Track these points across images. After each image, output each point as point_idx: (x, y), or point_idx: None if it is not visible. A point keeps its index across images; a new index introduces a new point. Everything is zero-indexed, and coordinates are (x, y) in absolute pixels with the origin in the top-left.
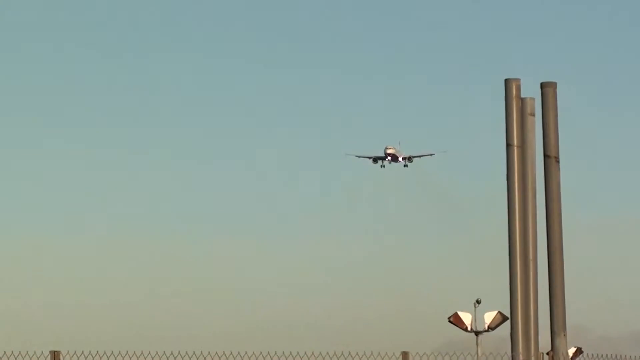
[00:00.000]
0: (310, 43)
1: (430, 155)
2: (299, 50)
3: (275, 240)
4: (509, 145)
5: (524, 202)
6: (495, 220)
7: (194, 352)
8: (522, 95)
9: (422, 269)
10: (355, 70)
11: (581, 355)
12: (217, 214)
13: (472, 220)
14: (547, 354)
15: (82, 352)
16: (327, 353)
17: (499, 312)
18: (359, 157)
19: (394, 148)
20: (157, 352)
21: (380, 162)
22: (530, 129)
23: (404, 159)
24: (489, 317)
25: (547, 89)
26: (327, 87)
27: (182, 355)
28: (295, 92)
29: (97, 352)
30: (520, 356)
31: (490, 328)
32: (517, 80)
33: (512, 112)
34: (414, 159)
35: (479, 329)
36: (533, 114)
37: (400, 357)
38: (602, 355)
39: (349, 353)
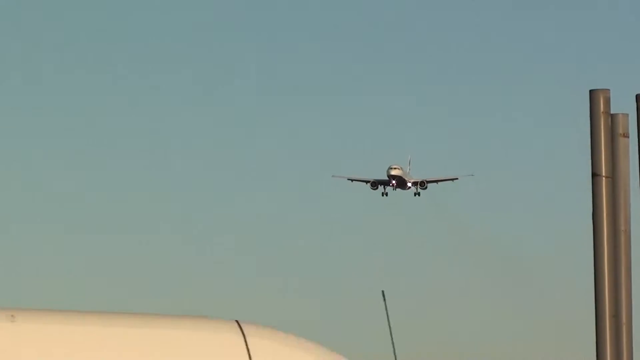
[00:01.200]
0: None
1: (452, 180)
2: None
3: None
4: (595, 175)
5: (614, 247)
6: (575, 272)
7: None
8: (612, 111)
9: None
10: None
11: None
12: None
13: (536, 275)
14: None
15: None
16: None
17: None
18: (352, 180)
19: (401, 169)
20: None
21: (381, 187)
22: (624, 153)
23: (414, 184)
24: None
25: None
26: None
27: None
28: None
29: None
30: None
31: None
32: (606, 91)
33: (599, 131)
34: (429, 184)
35: None
36: (627, 135)
37: None
38: None
39: None
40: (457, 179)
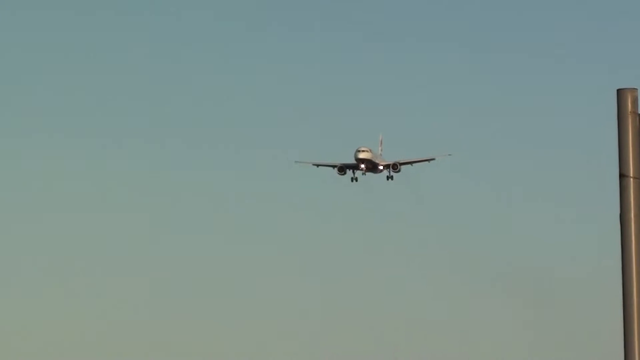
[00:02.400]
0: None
1: (429, 161)
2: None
3: None
4: (622, 175)
5: None
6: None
7: None
8: None
9: None
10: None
11: None
12: None
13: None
14: None
15: None
16: None
17: None
18: (318, 165)
19: (370, 151)
20: None
21: (350, 172)
22: None
23: (386, 167)
24: None
25: None
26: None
27: None
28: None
29: None
30: None
31: None
32: (634, 90)
33: (627, 132)
34: (402, 167)
35: None
36: None
37: None
38: None
39: None
40: (433, 159)
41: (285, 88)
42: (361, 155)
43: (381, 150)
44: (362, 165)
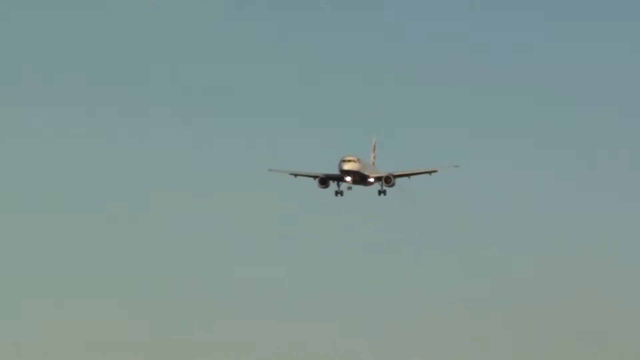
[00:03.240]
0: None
1: (430, 173)
2: None
3: None
4: None
5: None
6: None
7: None
8: None
9: None
10: None
11: None
12: None
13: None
14: None
15: None
16: None
17: None
18: (296, 175)
19: (358, 160)
20: None
21: (334, 185)
22: None
23: (378, 179)
24: None
25: None
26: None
27: None
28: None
29: None
30: None
31: None
32: None
33: None
34: (397, 179)
35: None
36: None
37: None
38: None
39: None
40: (436, 171)
41: (264, 83)
42: (347, 167)
43: (374, 157)
44: (348, 178)
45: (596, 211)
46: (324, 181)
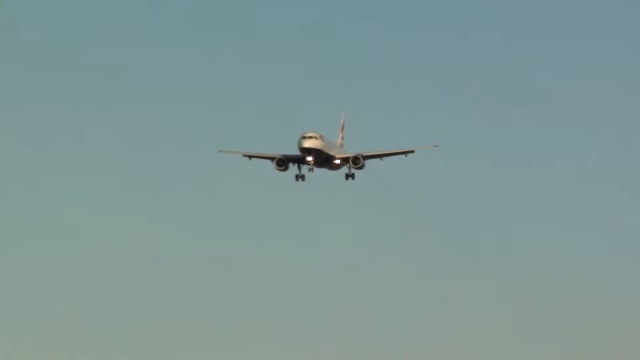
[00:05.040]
0: None
1: (406, 153)
2: None
3: None
4: None
5: None
6: None
7: None
8: None
9: None
10: None
11: None
12: None
13: None
14: None
15: None
16: None
17: None
18: (250, 157)
19: (320, 137)
20: None
21: (294, 167)
22: None
23: (344, 160)
24: None
25: None
26: None
27: None
28: None
29: None
30: None
31: None
32: None
33: None
34: (367, 161)
35: None
36: None
37: None
38: None
39: None
40: (412, 152)
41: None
42: (307, 144)
43: (342, 138)
44: (309, 158)
45: (584, 189)
46: (282, 163)
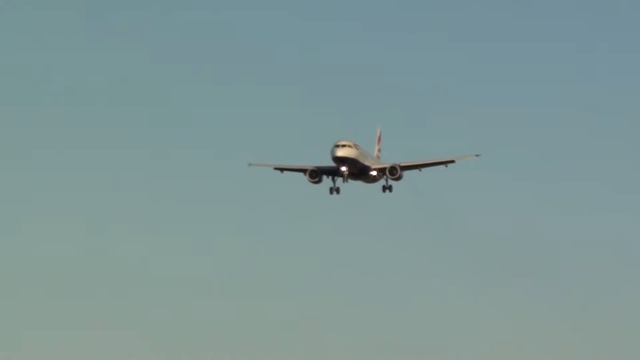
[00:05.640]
0: None
1: (446, 163)
2: None
3: None
4: None
5: None
6: None
7: None
8: None
9: None
10: None
11: None
12: None
13: None
14: None
15: None
16: None
17: None
18: (282, 170)
19: (355, 146)
20: None
21: (328, 180)
22: None
23: (381, 171)
24: None
25: None
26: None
27: None
28: None
29: None
30: None
31: None
32: None
33: None
34: (405, 172)
35: None
36: None
37: None
38: None
39: None
40: (453, 161)
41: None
42: (340, 153)
43: (379, 150)
44: (343, 168)
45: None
46: (315, 174)
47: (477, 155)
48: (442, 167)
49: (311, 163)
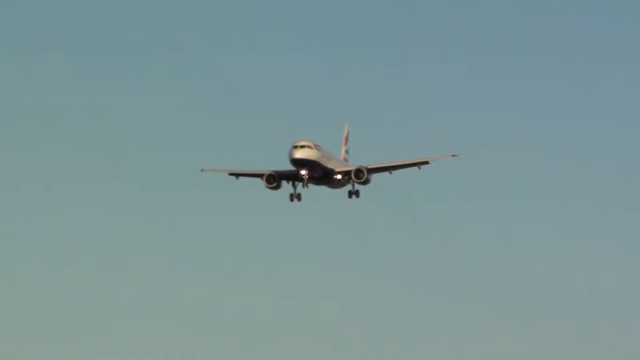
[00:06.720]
0: None
1: (419, 165)
2: None
3: None
4: None
5: None
6: None
7: None
8: None
9: None
10: None
11: None
12: None
13: None
14: None
15: None
16: None
17: None
18: (237, 175)
19: (315, 147)
20: None
21: (288, 185)
22: None
23: (346, 174)
24: None
25: None
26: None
27: None
28: None
29: None
30: None
31: None
32: None
33: None
34: (373, 175)
35: None
36: None
37: None
38: None
39: None
40: (427, 163)
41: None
42: (298, 154)
43: (346, 151)
44: (303, 172)
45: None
46: (273, 179)
47: (453, 156)
48: (415, 169)
49: (271, 167)
